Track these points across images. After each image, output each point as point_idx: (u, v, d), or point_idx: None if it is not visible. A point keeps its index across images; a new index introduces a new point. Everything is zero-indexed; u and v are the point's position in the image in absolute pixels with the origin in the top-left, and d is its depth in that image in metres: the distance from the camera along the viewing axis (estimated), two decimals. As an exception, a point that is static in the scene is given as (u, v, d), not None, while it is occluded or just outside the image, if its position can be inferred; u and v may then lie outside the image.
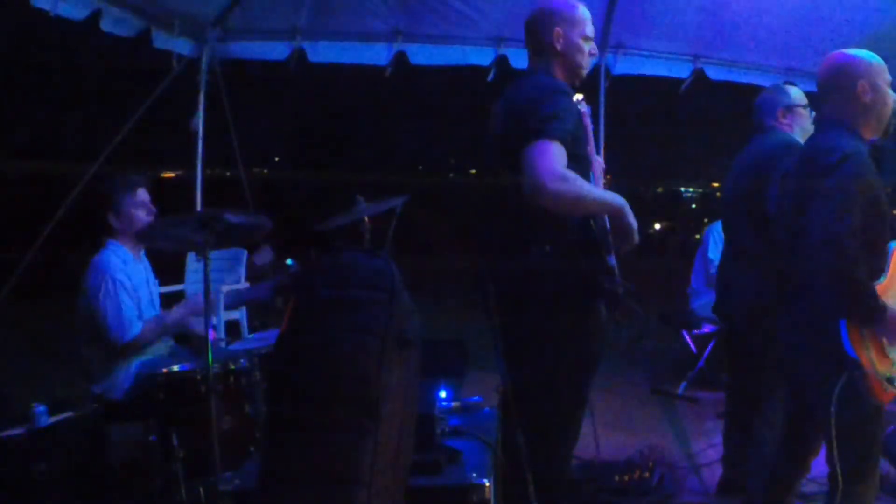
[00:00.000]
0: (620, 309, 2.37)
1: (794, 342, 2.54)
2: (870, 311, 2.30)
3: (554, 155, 2.22)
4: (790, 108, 3.30)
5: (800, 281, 2.48)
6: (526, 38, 2.54)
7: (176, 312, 3.31)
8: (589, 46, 2.53)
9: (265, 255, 3.59)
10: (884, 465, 3.07)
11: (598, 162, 2.67)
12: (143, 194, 3.29)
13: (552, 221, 2.32)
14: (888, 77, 2.49)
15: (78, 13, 4.20)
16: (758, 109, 3.38)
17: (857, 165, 2.31)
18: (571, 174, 2.23)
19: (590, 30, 2.53)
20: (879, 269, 2.39)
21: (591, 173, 2.49)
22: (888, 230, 2.42)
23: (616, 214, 2.38)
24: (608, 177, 2.93)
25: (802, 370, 2.54)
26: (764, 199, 3.05)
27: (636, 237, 2.41)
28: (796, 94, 3.36)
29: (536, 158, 2.22)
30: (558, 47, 2.47)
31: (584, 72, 2.56)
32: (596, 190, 2.41)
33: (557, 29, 2.46)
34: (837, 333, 2.31)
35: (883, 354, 2.34)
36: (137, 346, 3.17)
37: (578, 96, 2.53)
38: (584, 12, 2.52)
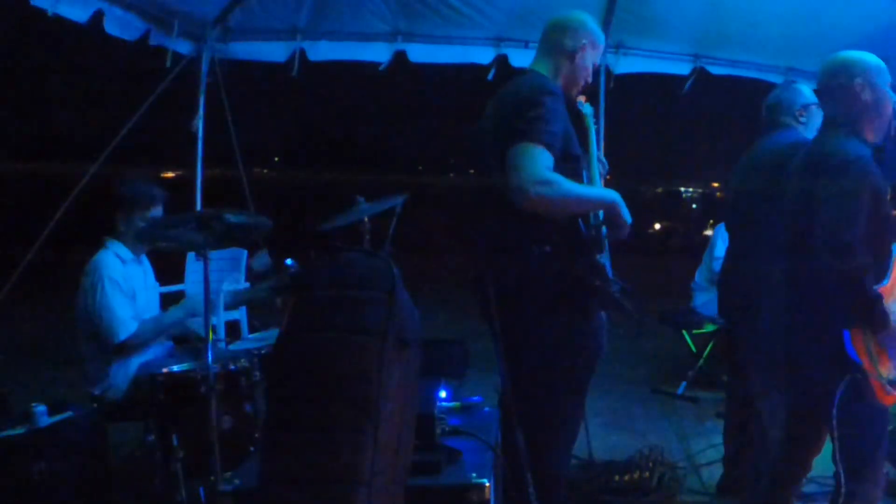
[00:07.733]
0: (613, 308, 2.38)
1: (796, 343, 2.52)
2: (875, 318, 2.27)
3: (536, 158, 2.23)
4: (807, 107, 3.30)
5: (804, 283, 2.46)
6: (543, 37, 2.56)
7: (174, 313, 3.31)
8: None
9: (262, 260, 3.57)
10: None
11: (602, 165, 2.68)
12: (157, 211, 3.30)
13: (549, 222, 2.32)
14: (888, 78, 2.47)
15: (78, 14, 4.19)
16: (774, 107, 3.35)
17: (862, 170, 2.30)
18: (555, 177, 2.23)
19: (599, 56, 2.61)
20: (882, 272, 2.37)
21: (584, 172, 2.49)
22: (892, 233, 2.41)
23: (609, 210, 2.39)
24: (608, 177, 2.93)
25: (805, 371, 2.51)
26: (776, 197, 3.03)
27: (627, 230, 2.44)
28: (809, 92, 3.35)
29: (519, 162, 2.23)
30: (576, 60, 2.51)
31: (579, 90, 2.61)
32: (584, 189, 2.41)
33: (584, 42, 2.51)
34: (840, 336, 2.29)
35: (886, 357, 2.32)
36: (133, 346, 3.17)
37: (581, 98, 2.54)
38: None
